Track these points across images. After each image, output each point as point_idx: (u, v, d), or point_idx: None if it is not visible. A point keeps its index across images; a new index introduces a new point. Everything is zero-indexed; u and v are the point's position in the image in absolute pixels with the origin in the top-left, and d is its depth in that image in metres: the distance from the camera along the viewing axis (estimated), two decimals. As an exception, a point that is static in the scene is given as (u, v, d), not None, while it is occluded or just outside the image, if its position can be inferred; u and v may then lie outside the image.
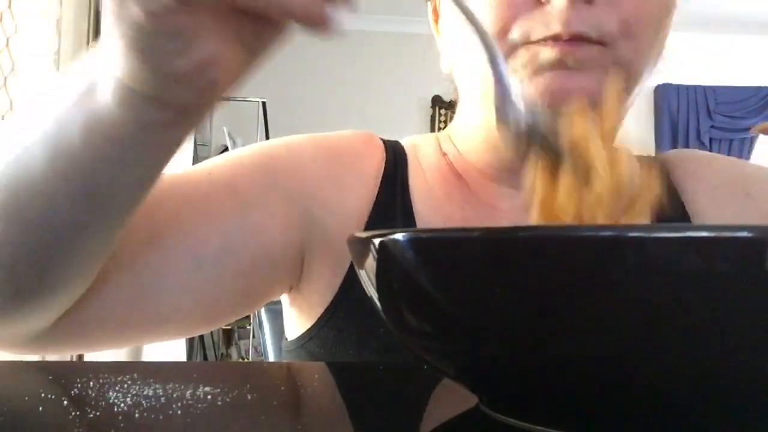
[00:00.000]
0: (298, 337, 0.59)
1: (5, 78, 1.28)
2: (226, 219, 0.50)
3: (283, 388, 0.37)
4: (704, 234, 0.20)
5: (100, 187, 0.35)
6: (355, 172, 0.58)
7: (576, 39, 0.47)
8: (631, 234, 0.21)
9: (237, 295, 0.52)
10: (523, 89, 0.49)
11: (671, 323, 0.21)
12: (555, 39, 0.47)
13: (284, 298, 0.62)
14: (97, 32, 1.43)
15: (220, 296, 0.51)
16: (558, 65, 0.47)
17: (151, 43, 0.29)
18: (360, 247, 0.29)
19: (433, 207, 0.57)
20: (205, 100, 0.32)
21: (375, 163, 0.59)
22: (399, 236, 0.26)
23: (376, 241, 0.27)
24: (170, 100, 0.32)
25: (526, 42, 0.48)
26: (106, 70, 0.32)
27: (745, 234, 0.20)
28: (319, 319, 0.56)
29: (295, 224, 0.54)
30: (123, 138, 0.33)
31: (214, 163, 0.54)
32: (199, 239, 0.49)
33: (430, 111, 4.09)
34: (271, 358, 0.91)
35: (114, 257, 0.44)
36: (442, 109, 4.04)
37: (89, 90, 0.33)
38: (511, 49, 0.49)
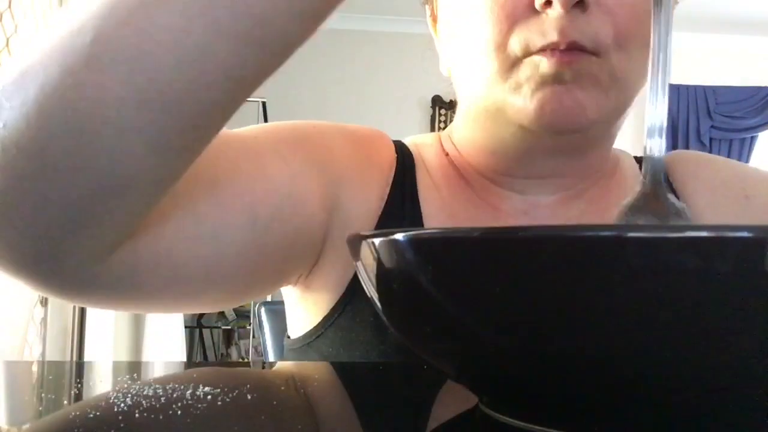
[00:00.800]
0: (304, 335, 0.59)
1: (5, 78, 1.28)
2: (280, 183, 0.49)
3: (283, 388, 0.37)
4: (704, 234, 0.20)
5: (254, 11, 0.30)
6: (373, 167, 0.58)
7: (572, 48, 0.47)
8: (631, 234, 0.21)
9: (274, 265, 0.51)
10: (525, 104, 0.50)
11: (671, 323, 0.21)
12: (552, 48, 0.48)
13: (290, 295, 0.61)
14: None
15: (261, 262, 0.49)
16: (556, 79, 0.48)
17: None
18: (360, 247, 0.29)
19: (439, 206, 0.58)
20: None
21: (388, 161, 0.59)
22: (399, 236, 0.26)
23: (376, 241, 0.27)
24: None
25: (526, 53, 0.49)
26: None
27: (745, 234, 0.20)
28: (326, 317, 0.56)
29: (327, 205, 0.53)
30: None
31: (254, 129, 0.53)
32: (257, 198, 0.47)
33: (430, 111, 4.08)
34: (271, 358, 0.91)
35: (176, 198, 0.42)
36: (442, 109, 4.04)
37: None
38: (512, 63, 0.50)
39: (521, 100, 0.50)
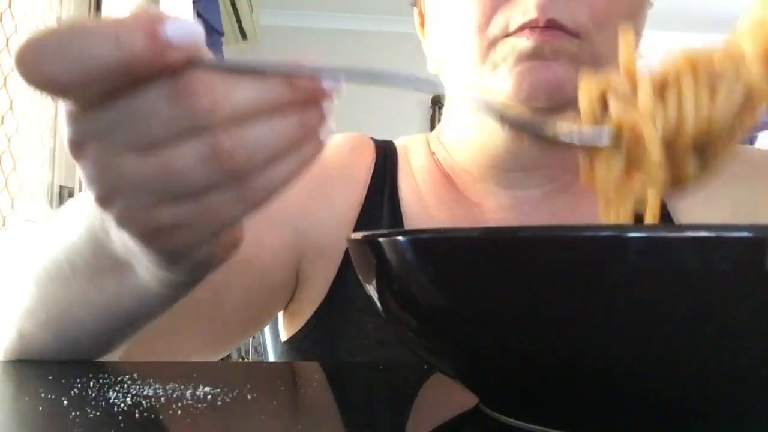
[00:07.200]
0: (291, 338, 0.60)
1: (5, 78, 1.28)
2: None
3: (283, 388, 0.37)
4: (704, 234, 0.20)
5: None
6: (342, 180, 0.59)
7: (552, 27, 0.48)
8: (631, 234, 0.21)
9: (238, 325, 0.55)
10: (502, 83, 0.50)
11: (671, 323, 0.21)
12: (532, 27, 0.49)
13: None
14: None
15: (221, 330, 0.54)
16: (535, 55, 0.49)
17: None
18: (360, 248, 0.29)
19: (420, 207, 0.58)
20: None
21: (363, 166, 0.60)
22: (399, 237, 0.26)
23: (377, 241, 0.27)
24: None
25: (505, 34, 0.50)
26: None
27: (745, 234, 0.20)
28: (309, 319, 0.58)
29: (286, 244, 0.56)
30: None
31: None
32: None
33: (430, 111, 4.08)
34: (271, 358, 0.91)
35: None
36: (442, 109, 4.04)
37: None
38: (491, 43, 0.51)
39: (498, 80, 0.51)
